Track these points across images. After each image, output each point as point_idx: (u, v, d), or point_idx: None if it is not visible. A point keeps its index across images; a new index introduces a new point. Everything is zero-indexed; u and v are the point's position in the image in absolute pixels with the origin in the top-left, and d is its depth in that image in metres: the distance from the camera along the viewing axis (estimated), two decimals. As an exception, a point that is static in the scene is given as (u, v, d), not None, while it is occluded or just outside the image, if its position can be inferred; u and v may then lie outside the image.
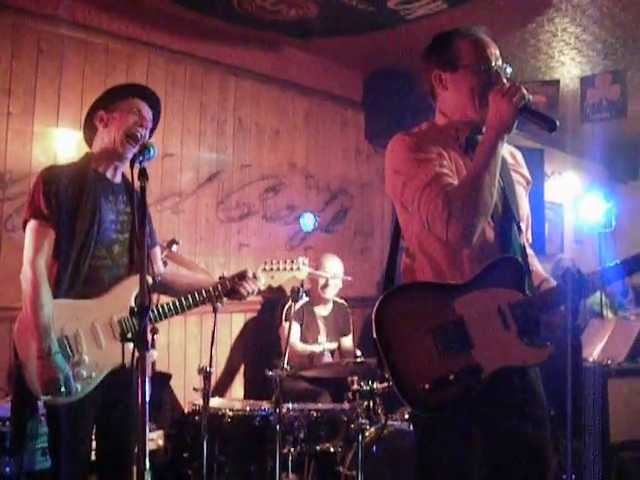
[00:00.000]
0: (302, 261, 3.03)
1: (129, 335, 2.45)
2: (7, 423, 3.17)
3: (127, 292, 2.61)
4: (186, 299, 2.71)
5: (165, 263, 3.73)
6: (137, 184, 2.18)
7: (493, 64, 2.12)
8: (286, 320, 4.27)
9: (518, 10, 4.32)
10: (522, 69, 5.38)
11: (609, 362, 4.54)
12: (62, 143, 3.94)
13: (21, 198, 3.73)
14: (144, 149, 2.29)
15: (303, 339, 4.50)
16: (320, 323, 4.61)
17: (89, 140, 2.79)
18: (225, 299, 2.87)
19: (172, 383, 4.22)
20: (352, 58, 5.24)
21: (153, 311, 2.65)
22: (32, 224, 2.57)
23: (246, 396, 4.85)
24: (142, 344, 1.79)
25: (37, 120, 3.86)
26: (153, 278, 2.73)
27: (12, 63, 3.79)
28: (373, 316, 2.09)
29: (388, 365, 2.05)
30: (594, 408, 4.34)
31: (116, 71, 4.16)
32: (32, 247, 2.54)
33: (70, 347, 2.54)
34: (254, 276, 2.84)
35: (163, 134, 4.45)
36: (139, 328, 1.82)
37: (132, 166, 2.19)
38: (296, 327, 4.42)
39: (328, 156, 5.52)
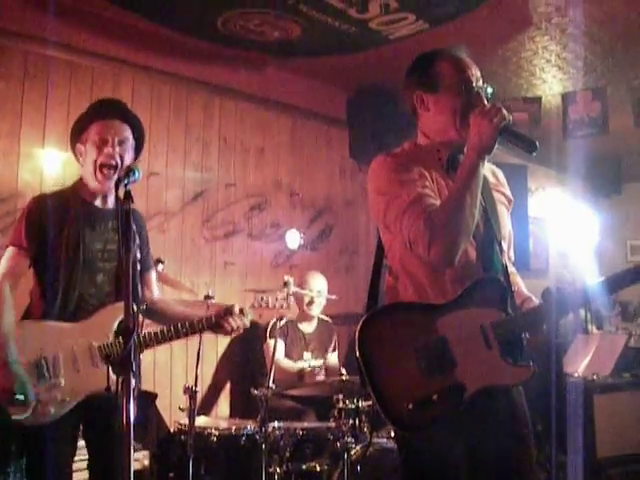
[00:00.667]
0: (291, 300, 3.12)
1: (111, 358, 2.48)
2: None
3: (109, 319, 2.60)
4: (169, 331, 2.68)
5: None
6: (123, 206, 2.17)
7: (474, 85, 2.15)
8: (270, 337, 4.26)
9: (499, 29, 4.38)
10: (504, 87, 5.44)
11: (594, 377, 4.57)
12: (48, 163, 3.95)
13: (7, 218, 3.76)
14: (129, 171, 2.29)
15: (288, 355, 4.49)
16: (305, 340, 4.61)
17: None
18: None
19: (158, 402, 4.20)
20: (336, 77, 5.28)
21: (138, 338, 2.60)
22: (10, 250, 2.61)
23: (232, 414, 4.84)
24: (126, 368, 1.78)
25: (23, 141, 3.87)
26: (138, 306, 2.69)
27: (-2, 84, 3.81)
28: (356, 336, 2.10)
29: (371, 384, 2.06)
30: (579, 423, 4.36)
31: (102, 92, 4.16)
32: (2, 269, 2.58)
33: (47, 369, 2.52)
34: (241, 312, 2.79)
35: (148, 153, 4.46)
36: (123, 351, 1.81)
37: (117, 188, 2.20)
38: (280, 344, 4.41)
39: (313, 174, 5.55)
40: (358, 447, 3.51)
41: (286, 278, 3.66)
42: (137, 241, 2.69)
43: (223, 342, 4.91)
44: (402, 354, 2.05)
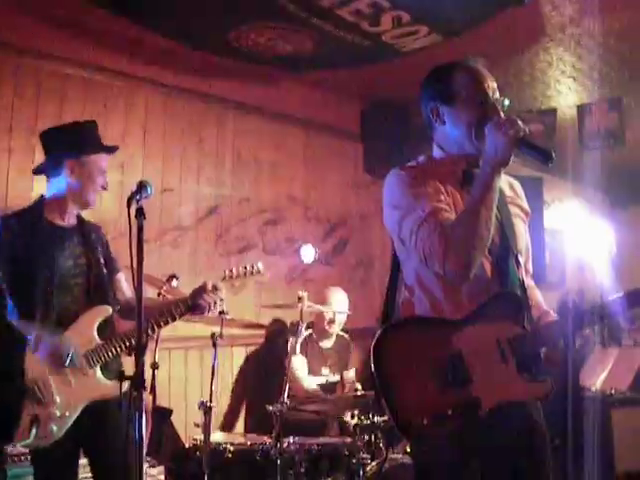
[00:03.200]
0: (260, 264, 3.13)
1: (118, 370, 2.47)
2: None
3: (88, 325, 2.66)
4: (148, 321, 2.72)
5: (164, 297, 3.73)
6: (135, 222, 2.19)
7: (490, 97, 2.13)
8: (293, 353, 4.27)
9: (513, 40, 4.36)
10: (519, 98, 5.41)
11: (612, 392, 4.51)
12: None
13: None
14: (141, 187, 2.30)
15: (310, 372, 4.46)
16: (323, 355, 4.58)
17: (40, 172, 2.91)
18: (189, 315, 2.89)
19: (173, 418, 4.19)
20: (350, 90, 5.28)
21: (117, 340, 2.68)
22: None
23: (248, 430, 4.81)
24: (140, 383, 1.77)
25: (38, 156, 3.86)
26: (113, 307, 2.79)
27: (14, 100, 3.84)
28: (371, 350, 2.08)
29: (386, 399, 2.04)
30: (597, 438, 4.30)
31: (115, 108, 4.20)
32: None
33: (40, 390, 2.53)
34: (214, 287, 2.88)
35: (162, 169, 4.50)
36: (136, 367, 1.80)
37: (129, 205, 2.20)
38: (303, 361, 4.39)
39: (327, 187, 5.54)
40: (374, 463, 3.48)
41: (300, 293, 3.65)
42: (99, 249, 2.84)
43: (239, 356, 4.90)
44: (417, 369, 2.02)
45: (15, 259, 2.61)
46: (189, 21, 3.81)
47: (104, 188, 2.84)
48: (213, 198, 4.80)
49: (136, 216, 2.18)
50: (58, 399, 2.54)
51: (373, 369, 2.08)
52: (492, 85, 2.17)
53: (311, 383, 4.45)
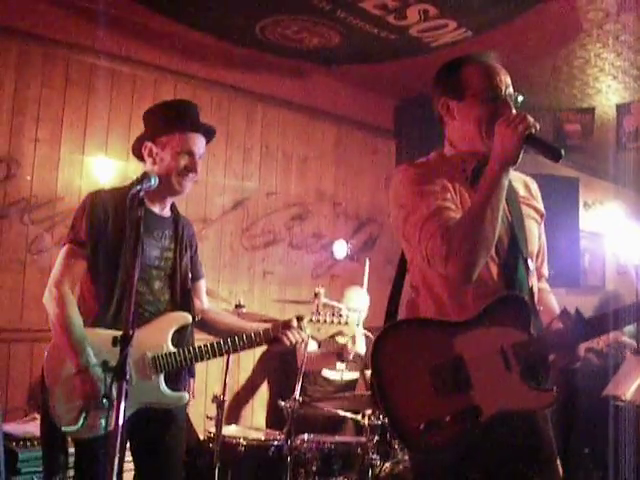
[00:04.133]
0: (352, 316, 2.85)
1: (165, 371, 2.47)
2: (21, 443, 3.22)
3: (163, 329, 2.54)
4: (225, 343, 2.60)
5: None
6: (138, 212, 2.13)
7: (502, 92, 2.04)
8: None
9: (548, 36, 4.24)
10: (557, 97, 5.28)
11: (643, 403, 4.35)
12: (87, 170, 4.01)
13: (46, 222, 3.83)
14: (144, 178, 2.27)
15: (326, 365, 4.41)
16: (340, 350, 4.48)
17: (133, 151, 2.72)
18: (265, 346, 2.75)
19: (191, 410, 4.19)
20: (382, 85, 5.21)
21: (190, 351, 2.56)
22: (67, 248, 2.51)
23: (268, 424, 4.80)
24: (122, 375, 1.74)
25: (64, 147, 3.94)
26: (193, 317, 2.66)
27: (42, 91, 3.90)
28: (370, 351, 2.04)
29: (383, 401, 1.98)
30: (628, 448, 4.17)
31: (143, 99, 4.22)
32: (60, 269, 2.48)
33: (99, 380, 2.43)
34: (300, 326, 2.70)
35: (189, 160, 4.50)
36: (120, 358, 1.77)
37: (137, 199, 2.16)
38: (312, 342, 4.35)
39: (357, 184, 5.48)
40: (388, 464, 3.43)
41: (317, 289, 3.60)
42: (189, 250, 2.71)
43: (260, 349, 4.88)
44: (416, 372, 1.96)
45: (103, 236, 2.50)
46: (216, 13, 3.80)
47: (188, 170, 2.61)
48: (240, 191, 4.79)
49: (137, 206, 2.13)
50: (114, 394, 2.48)
51: (371, 370, 2.04)
52: (505, 80, 2.08)
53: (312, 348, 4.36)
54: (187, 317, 2.61)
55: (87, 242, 2.48)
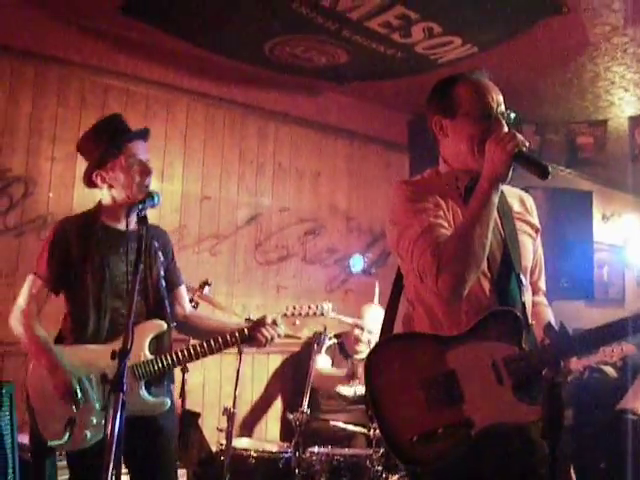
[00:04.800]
0: (326, 305, 2.91)
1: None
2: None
3: (139, 338, 2.60)
4: (201, 346, 2.67)
5: (197, 304, 3.80)
6: (141, 230, 2.22)
7: (494, 110, 2.08)
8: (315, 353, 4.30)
9: (556, 51, 4.25)
10: (569, 110, 5.29)
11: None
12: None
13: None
14: (148, 197, 2.35)
15: (340, 381, 4.41)
16: (353, 365, 4.50)
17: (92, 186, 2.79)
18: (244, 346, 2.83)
19: (205, 423, 4.26)
20: (394, 100, 5.26)
21: (167, 358, 2.64)
22: (31, 278, 2.68)
23: (282, 437, 4.84)
24: (118, 387, 1.81)
25: (79, 165, 3.99)
26: (168, 324, 2.74)
27: (57, 110, 4.02)
28: (364, 364, 2.09)
29: (376, 414, 2.03)
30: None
31: (156, 117, 4.33)
32: (26, 297, 2.66)
33: (81, 393, 2.53)
34: (274, 322, 2.75)
35: (202, 177, 4.60)
36: (118, 371, 1.83)
37: (128, 214, 2.25)
38: (326, 359, 4.37)
39: (370, 198, 5.52)
40: (395, 477, 3.45)
41: (324, 304, 3.64)
42: (161, 259, 2.78)
43: (275, 363, 4.95)
44: (409, 385, 2.00)
45: (67, 261, 2.62)
46: (225, 33, 3.89)
47: (145, 176, 2.68)
48: (253, 207, 4.86)
49: (140, 224, 2.21)
50: (97, 406, 2.54)
51: (365, 383, 2.09)
52: (497, 98, 2.11)
53: (326, 365, 4.39)
54: (162, 325, 2.70)
55: (47, 276, 2.64)
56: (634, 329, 1.92)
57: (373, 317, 4.44)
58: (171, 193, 4.44)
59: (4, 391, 2.99)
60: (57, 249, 2.65)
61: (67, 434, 2.49)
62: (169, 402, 2.69)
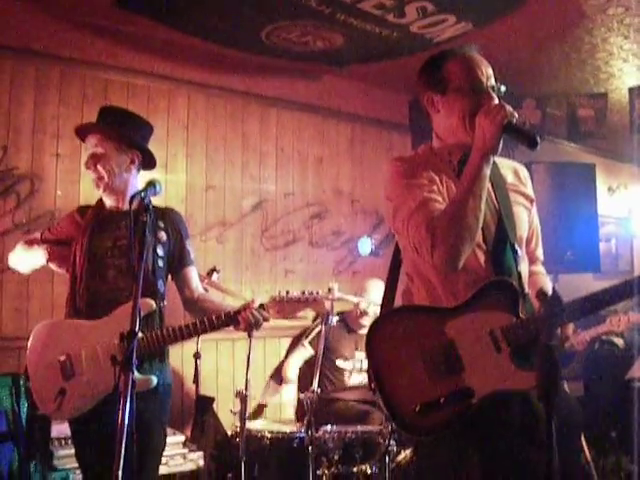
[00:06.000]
0: (319, 293, 2.86)
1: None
2: (56, 442, 3.40)
3: (129, 316, 2.66)
4: (187, 327, 2.67)
5: (206, 291, 3.86)
6: (144, 217, 2.28)
7: (484, 84, 2.10)
8: (310, 342, 4.44)
9: (552, 24, 4.26)
10: (569, 83, 5.29)
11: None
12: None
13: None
14: (148, 186, 2.41)
15: (340, 354, 4.50)
16: (356, 339, 4.56)
17: None
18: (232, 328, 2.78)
19: (219, 406, 4.34)
20: (395, 82, 5.26)
21: (154, 337, 2.66)
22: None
23: (298, 417, 4.90)
24: (128, 367, 1.87)
25: (84, 160, 4.07)
26: (158, 303, 2.75)
27: (60, 108, 4.08)
28: (365, 338, 2.14)
29: (379, 386, 2.07)
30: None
31: (158, 109, 4.38)
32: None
33: (72, 366, 2.62)
34: (261, 307, 2.74)
35: (206, 167, 4.65)
36: (126, 351, 1.90)
37: (131, 202, 2.31)
38: (307, 352, 4.45)
39: (374, 180, 5.55)
40: (407, 451, 3.52)
41: (330, 285, 3.70)
42: (163, 238, 2.82)
43: (286, 345, 4.98)
44: (410, 357, 2.05)
45: (67, 241, 2.82)
46: (222, 23, 3.92)
47: (87, 167, 2.86)
48: (257, 194, 4.92)
49: (142, 213, 2.27)
50: (86, 379, 2.61)
51: (367, 356, 2.14)
52: (486, 71, 2.13)
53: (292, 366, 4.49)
54: (150, 303, 2.69)
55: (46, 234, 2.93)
56: (624, 295, 1.97)
57: (377, 290, 4.52)
58: (176, 184, 4.50)
59: (22, 382, 3.12)
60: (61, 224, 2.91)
61: (56, 404, 2.58)
62: (154, 380, 2.66)
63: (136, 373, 2.58)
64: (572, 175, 5.04)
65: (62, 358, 2.64)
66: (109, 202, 2.86)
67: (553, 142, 5.91)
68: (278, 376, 4.69)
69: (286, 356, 4.85)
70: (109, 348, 2.61)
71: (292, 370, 4.51)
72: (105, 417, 2.60)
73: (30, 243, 2.94)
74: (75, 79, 4.12)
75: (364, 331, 4.57)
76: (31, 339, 2.73)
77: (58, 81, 4.07)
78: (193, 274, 2.97)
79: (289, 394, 4.35)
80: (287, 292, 2.80)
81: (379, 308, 4.34)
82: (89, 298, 2.71)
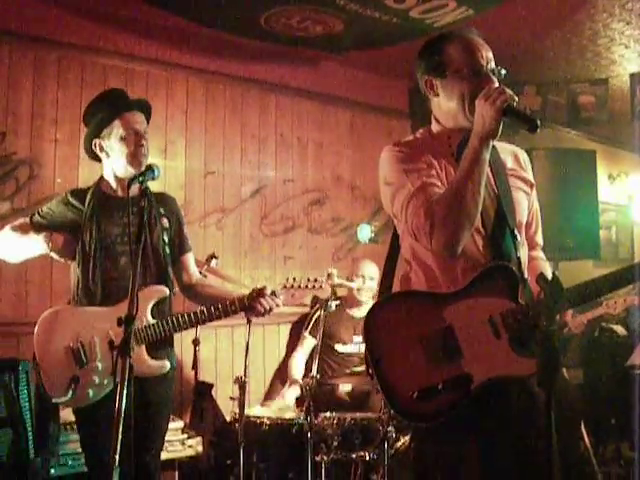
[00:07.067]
0: (324, 280, 2.97)
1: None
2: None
3: (142, 303, 2.63)
4: (202, 313, 2.73)
5: (205, 277, 3.86)
6: (142, 202, 2.29)
7: (483, 67, 2.08)
8: (308, 333, 4.46)
9: (553, 10, 4.23)
10: (570, 70, 5.26)
11: (664, 369, 4.35)
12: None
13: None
14: (147, 170, 2.40)
15: (338, 339, 4.51)
16: (353, 324, 4.56)
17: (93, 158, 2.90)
18: (243, 314, 2.86)
19: (218, 393, 4.35)
20: (394, 68, 5.24)
21: (168, 323, 2.71)
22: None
23: (298, 404, 4.91)
24: (126, 352, 1.87)
25: (82, 146, 4.08)
26: (170, 289, 2.82)
27: (58, 94, 4.07)
28: (363, 323, 2.13)
29: (376, 372, 2.07)
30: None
31: (157, 95, 4.36)
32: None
33: (85, 353, 2.64)
34: (273, 293, 2.80)
35: (205, 153, 4.64)
36: (124, 336, 1.90)
37: (129, 186, 2.30)
38: (312, 342, 4.46)
39: (374, 167, 5.47)
40: (406, 438, 3.52)
41: (329, 270, 3.71)
42: (165, 225, 2.84)
43: (285, 332, 5.02)
44: (408, 342, 2.04)
45: (64, 227, 2.75)
46: (221, 8, 3.90)
47: (138, 147, 2.76)
48: (256, 180, 4.91)
49: (141, 197, 2.27)
50: (100, 366, 2.63)
51: (364, 342, 2.13)
52: (486, 55, 2.10)
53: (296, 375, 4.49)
54: (164, 290, 2.77)
55: (38, 219, 2.83)
56: (625, 281, 1.96)
57: (368, 268, 4.61)
58: (174, 170, 4.48)
59: (21, 368, 3.13)
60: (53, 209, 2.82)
61: (70, 392, 2.58)
62: (168, 365, 2.75)
63: (150, 359, 2.68)
64: (573, 162, 5.01)
65: (74, 345, 2.64)
66: (118, 189, 2.82)
67: (553, 129, 5.88)
68: (281, 376, 4.75)
69: (287, 353, 4.88)
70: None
71: (297, 369, 4.51)
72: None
73: (22, 229, 2.84)
74: (74, 65, 4.10)
75: (362, 310, 4.61)
76: (38, 327, 2.71)
77: (57, 67, 4.04)
78: (191, 260, 3.04)
79: (293, 395, 4.36)
80: (294, 279, 2.90)
81: (373, 281, 4.45)
82: (103, 285, 2.71)
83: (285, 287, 2.87)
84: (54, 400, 2.63)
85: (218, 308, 2.74)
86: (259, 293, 2.78)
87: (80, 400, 2.63)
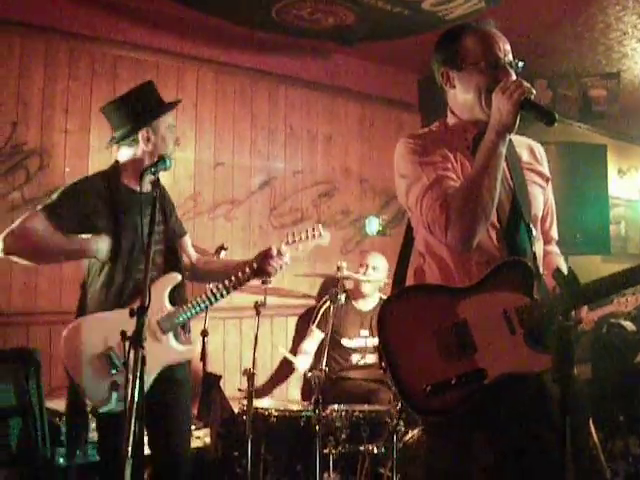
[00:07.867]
0: (320, 227, 3.04)
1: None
2: (63, 418, 3.41)
3: (160, 292, 2.69)
4: (218, 289, 2.75)
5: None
6: (154, 192, 2.28)
7: (501, 60, 2.06)
8: (316, 326, 4.48)
9: (564, 3, 4.20)
10: (581, 63, 5.23)
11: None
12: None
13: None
14: (159, 160, 2.39)
15: (344, 333, 4.51)
16: (361, 317, 4.57)
17: (121, 139, 2.82)
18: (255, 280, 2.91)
19: (226, 385, 4.35)
20: (405, 60, 5.23)
21: (188, 307, 2.72)
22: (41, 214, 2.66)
23: (304, 397, 4.92)
24: (139, 343, 1.87)
25: (93, 136, 4.10)
26: (182, 274, 2.81)
27: (69, 84, 4.06)
28: (377, 317, 2.12)
29: (390, 366, 2.06)
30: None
31: (167, 86, 4.34)
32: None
33: (117, 356, 2.56)
34: (279, 252, 2.84)
35: (215, 144, 4.63)
36: (137, 327, 1.89)
37: (142, 177, 2.29)
38: (319, 336, 4.47)
39: (383, 159, 5.51)
40: (415, 431, 3.52)
41: (339, 263, 3.72)
42: (167, 214, 2.85)
43: (293, 324, 5.03)
44: (422, 336, 2.03)
45: (92, 219, 2.65)
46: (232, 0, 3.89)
47: (178, 143, 2.89)
48: (266, 171, 4.90)
49: (153, 187, 2.27)
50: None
51: (378, 335, 2.12)
52: (504, 47, 2.08)
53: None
54: (177, 277, 2.78)
55: (61, 217, 2.65)
56: None
57: (375, 259, 4.64)
58: (184, 161, 4.47)
59: (30, 358, 3.12)
60: (74, 199, 2.68)
61: (114, 396, 2.53)
62: (193, 348, 2.82)
63: (179, 345, 2.69)
64: (583, 156, 4.98)
65: (104, 352, 2.59)
66: (138, 184, 2.66)
67: (564, 123, 5.86)
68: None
69: (293, 347, 4.91)
70: (148, 328, 2.59)
71: (308, 345, 4.54)
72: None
73: (64, 230, 2.67)
74: (84, 55, 4.10)
75: (368, 303, 4.61)
76: (64, 347, 2.64)
77: (67, 57, 4.04)
78: (188, 242, 3.08)
79: (304, 364, 4.42)
80: (293, 233, 2.93)
81: (376, 271, 4.44)
82: (135, 287, 2.65)
83: (287, 243, 2.90)
84: (101, 410, 2.55)
85: (231, 279, 2.77)
86: (266, 254, 2.82)
87: (122, 404, 2.53)
